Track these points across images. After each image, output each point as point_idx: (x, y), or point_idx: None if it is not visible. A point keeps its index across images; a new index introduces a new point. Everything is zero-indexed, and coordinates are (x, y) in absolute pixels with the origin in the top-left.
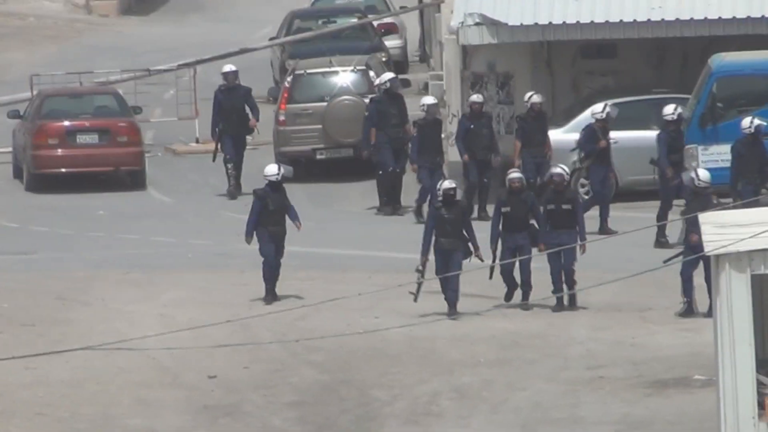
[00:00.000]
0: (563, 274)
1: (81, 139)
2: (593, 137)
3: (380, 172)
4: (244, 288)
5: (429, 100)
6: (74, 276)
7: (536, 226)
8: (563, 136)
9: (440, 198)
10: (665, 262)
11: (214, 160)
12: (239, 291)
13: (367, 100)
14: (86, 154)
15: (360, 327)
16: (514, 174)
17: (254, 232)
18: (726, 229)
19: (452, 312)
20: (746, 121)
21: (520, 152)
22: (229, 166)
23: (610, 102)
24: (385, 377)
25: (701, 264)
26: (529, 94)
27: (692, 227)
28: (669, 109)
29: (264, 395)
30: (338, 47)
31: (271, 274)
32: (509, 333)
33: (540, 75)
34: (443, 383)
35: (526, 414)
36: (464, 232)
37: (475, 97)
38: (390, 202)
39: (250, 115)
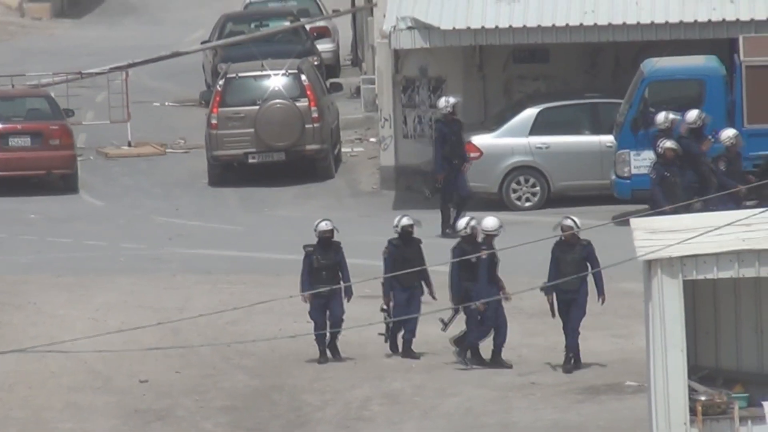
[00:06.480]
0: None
1: (13, 142)
2: None
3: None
4: (175, 292)
5: None
6: (6, 279)
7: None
8: (494, 141)
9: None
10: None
11: (431, 196)
12: (171, 295)
13: (298, 104)
14: (18, 158)
15: (292, 331)
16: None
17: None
18: (657, 234)
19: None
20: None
21: None
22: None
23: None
24: (317, 382)
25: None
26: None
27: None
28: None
29: (196, 400)
30: (270, 51)
31: (320, 338)
32: (441, 338)
33: (472, 79)
34: (374, 388)
35: (457, 419)
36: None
37: (670, 144)
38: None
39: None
